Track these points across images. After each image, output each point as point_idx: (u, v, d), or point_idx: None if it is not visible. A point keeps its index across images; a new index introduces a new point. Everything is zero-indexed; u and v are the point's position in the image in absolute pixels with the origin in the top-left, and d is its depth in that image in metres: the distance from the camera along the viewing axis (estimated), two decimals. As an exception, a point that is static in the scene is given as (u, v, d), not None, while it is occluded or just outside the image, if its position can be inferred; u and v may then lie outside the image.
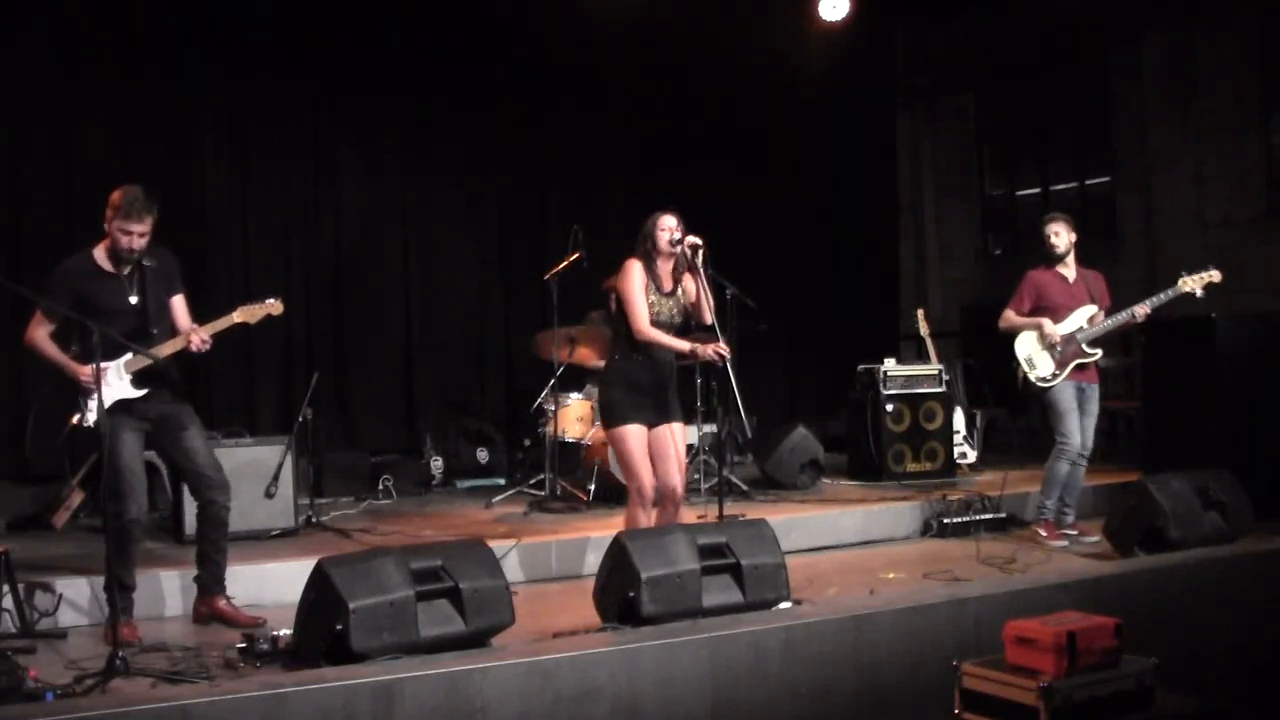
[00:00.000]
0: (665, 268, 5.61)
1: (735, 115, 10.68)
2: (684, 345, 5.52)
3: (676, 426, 5.59)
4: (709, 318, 5.60)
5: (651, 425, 5.52)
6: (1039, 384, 6.79)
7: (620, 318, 5.60)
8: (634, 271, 5.54)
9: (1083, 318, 6.85)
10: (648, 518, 5.51)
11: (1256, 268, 9.99)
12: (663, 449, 5.52)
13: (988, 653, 4.21)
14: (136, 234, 5.06)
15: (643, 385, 5.52)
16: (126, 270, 5.16)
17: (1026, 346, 6.86)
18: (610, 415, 5.56)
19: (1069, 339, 6.78)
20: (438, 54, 9.65)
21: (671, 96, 10.41)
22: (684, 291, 5.65)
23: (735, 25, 10.23)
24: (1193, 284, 6.70)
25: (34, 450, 7.02)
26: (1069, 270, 6.94)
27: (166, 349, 5.13)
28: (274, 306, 5.39)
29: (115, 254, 5.12)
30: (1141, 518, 6.05)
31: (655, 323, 5.52)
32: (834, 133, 11.41)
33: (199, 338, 5.14)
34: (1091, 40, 11.27)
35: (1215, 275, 6.70)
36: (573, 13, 9.35)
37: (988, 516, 7.43)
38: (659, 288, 5.58)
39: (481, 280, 10.12)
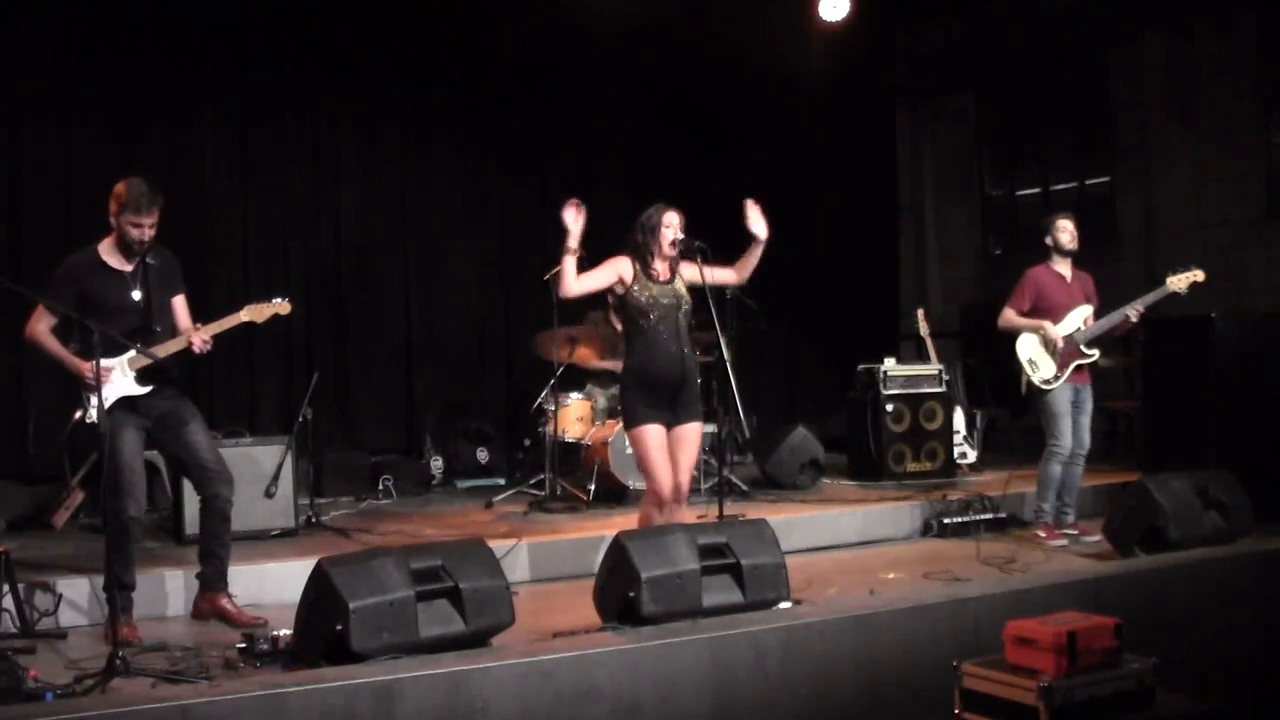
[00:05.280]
0: (662, 260, 5.56)
1: (735, 115, 10.68)
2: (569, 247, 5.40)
3: (692, 426, 5.56)
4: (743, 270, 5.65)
5: (669, 425, 5.49)
6: (1041, 386, 6.79)
7: (626, 316, 5.58)
8: (612, 260, 5.51)
9: (1080, 318, 6.86)
10: (661, 518, 5.49)
11: (1257, 268, 10.00)
12: (674, 449, 5.51)
13: (988, 653, 4.20)
14: (147, 226, 5.09)
15: (658, 382, 5.46)
16: (131, 267, 5.17)
17: (1029, 348, 6.85)
18: (628, 416, 5.53)
19: (1068, 340, 6.79)
20: (438, 54, 9.65)
21: (671, 96, 10.41)
22: (681, 278, 5.59)
23: (735, 25, 10.23)
24: (1178, 283, 6.74)
25: (37, 446, 7.03)
26: (1066, 270, 6.95)
27: (168, 349, 5.14)
28: (281, 306, 5.40)
29: (125, 247, 5.13)
30: (1141, 518, 6.05)
31: (647, 311, 5.45)
32: (834, 133, 11.41)
33: (200, 339, 5.15)
34: (1091, 40, 11.27)
35: (1199, 275, 6.75)
36: (573, 13, 9.35)
37: (988, 516, 7.43)
38: (654, 278, 5.53)
39: (481, 280, 10.12)
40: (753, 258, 5.65)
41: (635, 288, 5.50)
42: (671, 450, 5.49)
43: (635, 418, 5.48)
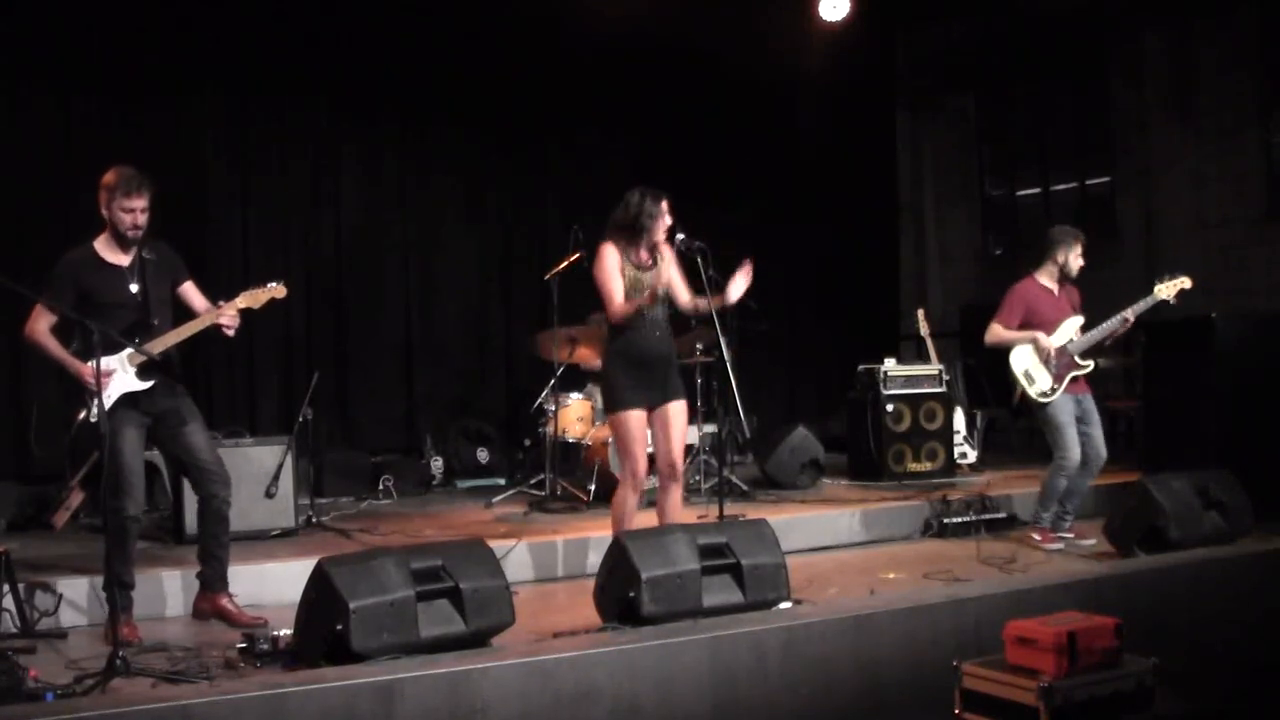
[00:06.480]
0: (645, 245, 5.61)
1: (735, 115, 10.68)
2: (641, 299, 5.45)
3: (681, 404, 5.63)
4: (685, 297, 5.66)
5: (652, 406, 5.57)
6: (1039, 399, 6.69)
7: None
8: (607, 256, 5.55)
9: (1071, 330, 6.78)
10: (635, 500, 5.60)
11: (1257, 268, 10.00)
12: (663, 426, 5.59)
13: (988, 653, 4.21)
14: (139, 210, 5.08)
15: (642, 363, 5.52)
16: (128, 261, 5.16)
17: (1023, 361, 6.75)
18: (610, 398, 5.62)
19: (1061, 351, 6.72)
20: (438, 53, 9.65)
21: (671, 97, 10.42)
22: (663, 259, 5.64)
23: (735, 26, 10.23)
24: (1166, 291, 6.69)
25: (40, 447, 7.03)
26: (1053, 283, 6.89)
27: (187, 331, 5.17)
28: (277, 290, 5.40)
29: (120, 238, 5.12)
30: (1141, 518, 6.05)
31: (638, 296, 5.52)
32: (834, 133, 11.42)
33: (229, 315, 5.18)
34: (1091, 40, 11.27)
35: (1186, 282, 6.70)
36: (573, 13, 9.35)
37: (988, 516, 7.43)
38: (638, 265, 5.58)
39: (481, 280, 10.13)
40: (705, 304, 5.60)
41: (625, 274, 5.56)
42: (662, 428, 5.59)
43: (620, 401, 5.55)
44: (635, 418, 5.52)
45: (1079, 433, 6.72)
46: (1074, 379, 6.74)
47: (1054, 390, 6.70)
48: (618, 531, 5.45)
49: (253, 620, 5.16)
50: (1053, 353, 6.71)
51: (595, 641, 4.37)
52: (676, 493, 5.68)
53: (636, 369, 5.53)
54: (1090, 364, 6.77)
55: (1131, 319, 6.71)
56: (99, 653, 4.59)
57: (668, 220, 5.59)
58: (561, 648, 4.23)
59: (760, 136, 10.92)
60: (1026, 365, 6.77)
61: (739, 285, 5.53)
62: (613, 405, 5.60)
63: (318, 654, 4.24)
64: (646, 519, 5.76)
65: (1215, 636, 5.05)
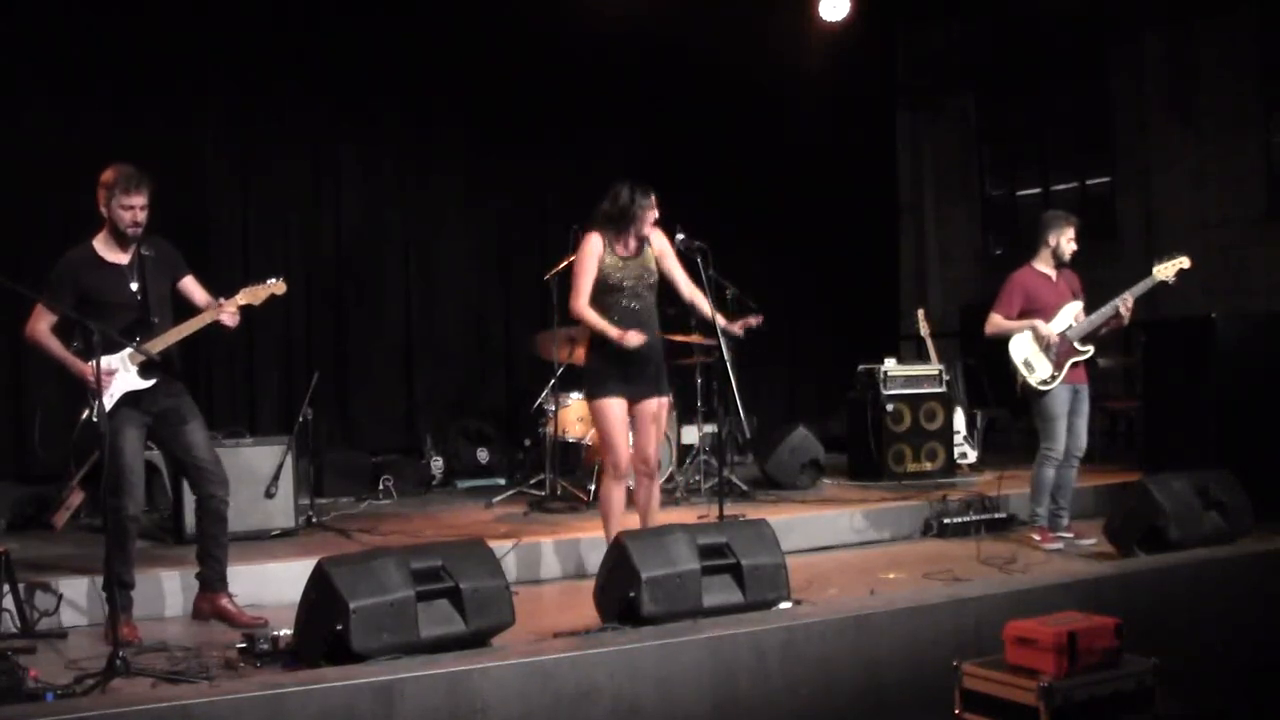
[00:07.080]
0: (632, 235, 5.62)
1: (735, 115, 10.69)
2: (613, 331, 5.46)
3: (662, 401, 5.64)
4: (707, 309, 5.68)
5: (634, 399, 5.57)
6: (1039, 387, 6.69)
7: (595, 289, 5.60)
8: (589, 244, 5.56)
9: (1070, 315, 6.77)
10: (621, 492, 5.61)
11: (1257, 268, 10.00)
12: (643, 422, 5.60)
13: (988, 653, 4.21)
14: (138, 207, 5.08)
15: (627, 356, 5.50)
16: (127, 259, 5.16)
17: (1023, 350, 6.75)
18: (592, 385, 5.61)
19: (1061, 337, 6.70)
20: (437, 53, 9.65)
21: (671, 97, 10.42)
22: (650, 248, 5.64)
23: (735, 25, 10.23)
24: (1165, 272, 6.68)
25: (44, 448, 7.03)
26: (1050, 269, 6.88)
27: (189, 328, 5.17)
28: (277, 286, 5.41)
29: (119, 236, 5.12)
30: (1141, 518, 6.05)
31: (619, 288, 5.53)
32: (834, 133, 11.42)
33: (230, 311, 5.18)
34: (1091, 40, 11.27)
35: (1185, 261, 6.69)
36: (573, 13, 9.35)
37: (988, 516, 7.43)
38: (621, 255, 5.59)
39: (481, 280, 10.13)
40: (705, 305, 5.70)
41: (606, 262, 5.56)
42: (644, 423, 5.60)
43: (602, 389, 5.55)
44: (615, 405, 5.52)
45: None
46: (1073, 365, 6.73)
47: (1054, 378, 6.68)
48: (609, 529, 5.48)
49: (253, 620, 5.16)
50: (1052, 340, 6.69)
51: (595, 641, 4.37)
52: (653, 488, 5.70)
53: (618, 361, 5.51)
54: (1090, 349, 6.75)
55: (1131, 301, 6.67)
56: (99, 653, 4.59)
57: (655, 213, 5.60)
58: (561, 648, 4.24)
59: (760, 136, 10.91)
60: (1026, 354, 6.75)
61: (738, 327, 5.66)
62: (593, 393, 5.60)
63: (318, 654, 4.24)
64: (633, 518, 5.76)
65: (1215, 636, 5.05)
